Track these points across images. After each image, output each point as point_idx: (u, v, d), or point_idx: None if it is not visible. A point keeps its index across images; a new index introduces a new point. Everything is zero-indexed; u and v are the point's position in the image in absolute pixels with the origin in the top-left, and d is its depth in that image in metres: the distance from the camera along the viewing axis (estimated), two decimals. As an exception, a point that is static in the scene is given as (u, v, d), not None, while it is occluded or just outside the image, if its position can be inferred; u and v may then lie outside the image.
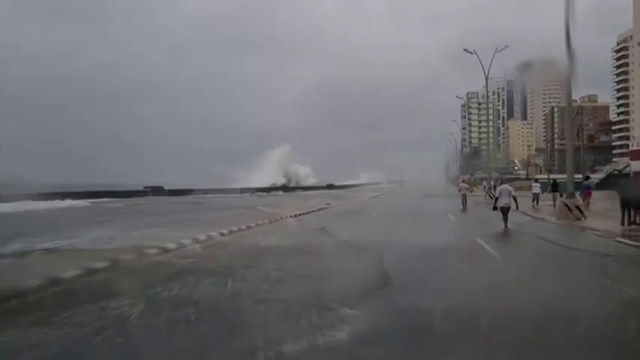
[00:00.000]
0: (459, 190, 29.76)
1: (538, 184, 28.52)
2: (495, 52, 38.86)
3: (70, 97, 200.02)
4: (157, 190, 46.73)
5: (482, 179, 68.51)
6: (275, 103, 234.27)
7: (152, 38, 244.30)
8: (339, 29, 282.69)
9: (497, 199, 16.16)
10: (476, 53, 38.39)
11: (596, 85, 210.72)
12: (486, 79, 38.90)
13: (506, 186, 17.09)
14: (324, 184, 76.09)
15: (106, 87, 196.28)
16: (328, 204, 28.13)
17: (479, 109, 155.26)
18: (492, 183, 41.31)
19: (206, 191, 49.49)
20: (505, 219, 15.67)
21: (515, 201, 15.76)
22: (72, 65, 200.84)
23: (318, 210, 24.42)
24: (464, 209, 26.51)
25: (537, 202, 26.95)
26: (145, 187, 47.95)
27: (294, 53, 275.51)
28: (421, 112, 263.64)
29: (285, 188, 60.51)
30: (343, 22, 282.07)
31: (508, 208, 15.71)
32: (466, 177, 60.68)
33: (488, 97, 44.65)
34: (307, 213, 22.05)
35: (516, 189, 55.07)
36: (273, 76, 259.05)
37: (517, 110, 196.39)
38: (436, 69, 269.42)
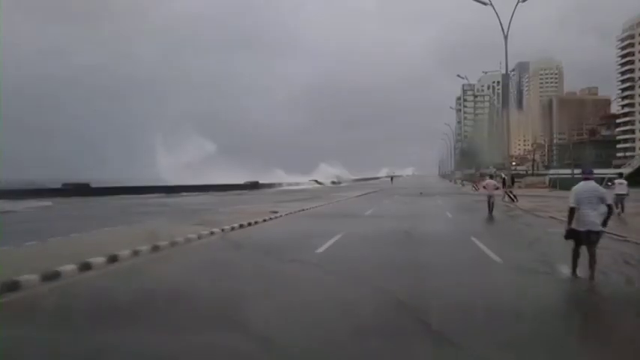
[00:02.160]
0: (484, 188, 19.41)
1: (625, 182, 16.90)
2: (517, 2, 28.04)
3: (59, 93, 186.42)
4: (81, 189, 36.02)
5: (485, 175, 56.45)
6: (266, 101, 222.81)
7: (143, 37, 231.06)
8: (332, 27, 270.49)
9: (572, 212, 6.50)
10: (491, 4, 27.62)
11: (597, 77, 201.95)
12: (505, 38, 28.08)
13: (593, 184, 6.50)
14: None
15: (100, 84, 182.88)
16: (274, 213, 17.26)
17: (474, 102, 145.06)
18: (505, 177, 30.42)
19: (170, 189, 38.82)
20: (593, 256, 6.50)
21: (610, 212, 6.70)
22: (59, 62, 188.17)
23: (252, 224, 13.85)
24: (490, 217, 16.98)
25: (623, 208, 16.08)
26: (64, 185, 37.16)
27: (286, 51, 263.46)
28: (413, 108, 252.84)
29: (255, 185, 49.51)
30: (336, 20, 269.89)
31: (599, 235, 6.50)
32: (498, 175, 46.95)
33: (507, 73, 33.74)
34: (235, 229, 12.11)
35: (527, 186, 44.25)
36: (264, 75, 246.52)
37: (513, 105, 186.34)
38: (428, 66, 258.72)
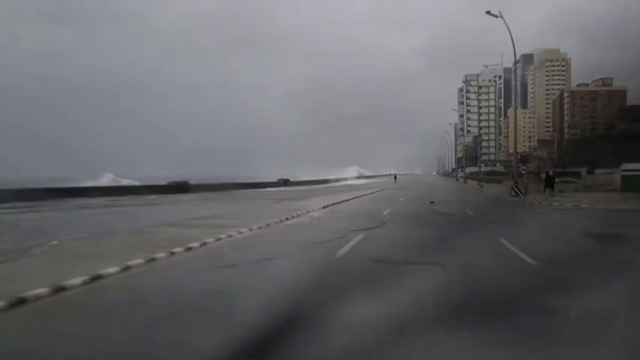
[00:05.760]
0: None
1: None
2: None
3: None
4: None
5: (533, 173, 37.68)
6: (263, 102, 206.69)
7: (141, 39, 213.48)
8: (329, 28, 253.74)
9: None
10: None
11: (610, 67, 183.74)
12: None
13: None
14: (276, 180, 50.31)
15: (98, 85, 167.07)
16: None
17: (478, 94, 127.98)
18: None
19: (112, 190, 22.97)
20: None
21: None
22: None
23: None
24: None
25: None
26: None
27: (284, 53, 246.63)
28: (410, 109, 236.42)
29: (181, 187, 32.19)
30: (331, 22, 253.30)
31: None
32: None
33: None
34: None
35: (587, 189, 26.50)
36: (260, 76, 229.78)
37: (516, 101, 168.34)
38: (423, 68, 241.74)
